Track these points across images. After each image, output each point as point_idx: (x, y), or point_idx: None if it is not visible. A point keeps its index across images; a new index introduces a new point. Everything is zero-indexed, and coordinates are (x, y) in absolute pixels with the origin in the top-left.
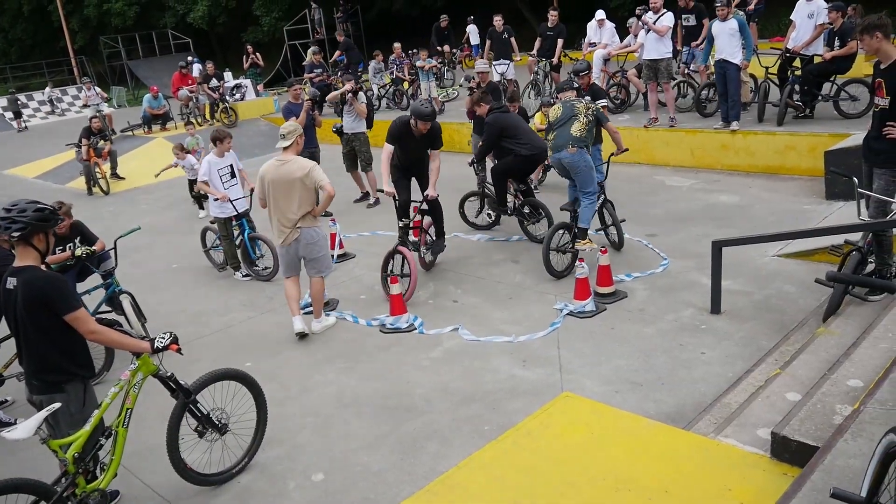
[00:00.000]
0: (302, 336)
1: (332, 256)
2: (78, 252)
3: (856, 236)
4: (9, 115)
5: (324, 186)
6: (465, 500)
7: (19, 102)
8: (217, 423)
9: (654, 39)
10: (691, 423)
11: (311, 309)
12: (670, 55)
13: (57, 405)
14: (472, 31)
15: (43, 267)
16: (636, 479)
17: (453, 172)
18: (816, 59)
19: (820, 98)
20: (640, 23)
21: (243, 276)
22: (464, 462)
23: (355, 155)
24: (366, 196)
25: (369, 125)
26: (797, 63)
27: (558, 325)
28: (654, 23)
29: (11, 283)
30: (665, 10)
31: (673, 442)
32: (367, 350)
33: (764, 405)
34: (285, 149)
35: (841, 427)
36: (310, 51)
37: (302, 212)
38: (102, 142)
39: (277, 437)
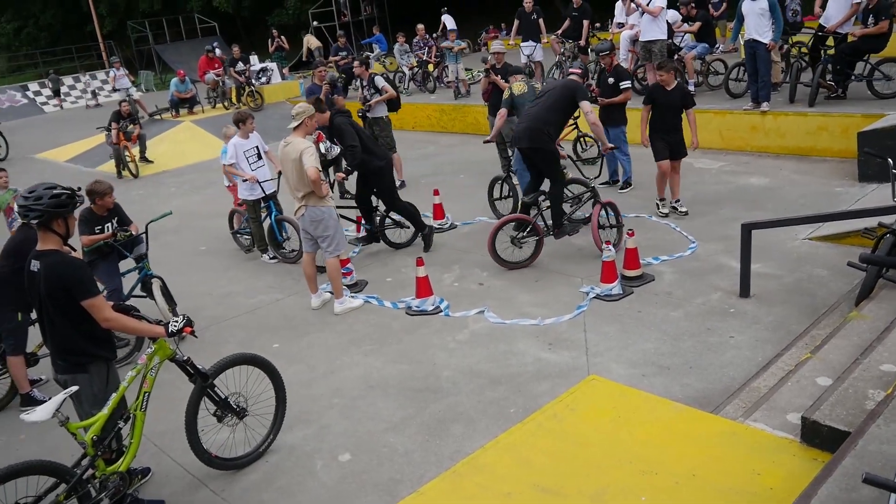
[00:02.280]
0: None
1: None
2: (120, 236)
3: (890, 219)
4: (46, 93)
5: (307, 170)
6: (491, 482)
7: (61, 82)
8: (235, 407)
9: (648, 21)
10: (719, 407)
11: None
12: (664, 36)
13: (74, 388)
14: (448, 20)
15: (75, 252)
16: (663, 462)
17: (480, 156)
18: (850, 38)
19: (853, 78)
20: (633, 4)
21: (270, 258)
22: (489, 444)
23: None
24: None
25: (393, 108)
26: (830, 42)
27: (585, 309)
28: (648, 4)
29: (35, 265)
30: None
31: (700, 426)
32: (393, 332)
33: (794, 390)
34: (295, 129)
35: (873, 412)
36: (309, 39)
37: (302, 190)
38: (132, 125)
39: (305, 418)
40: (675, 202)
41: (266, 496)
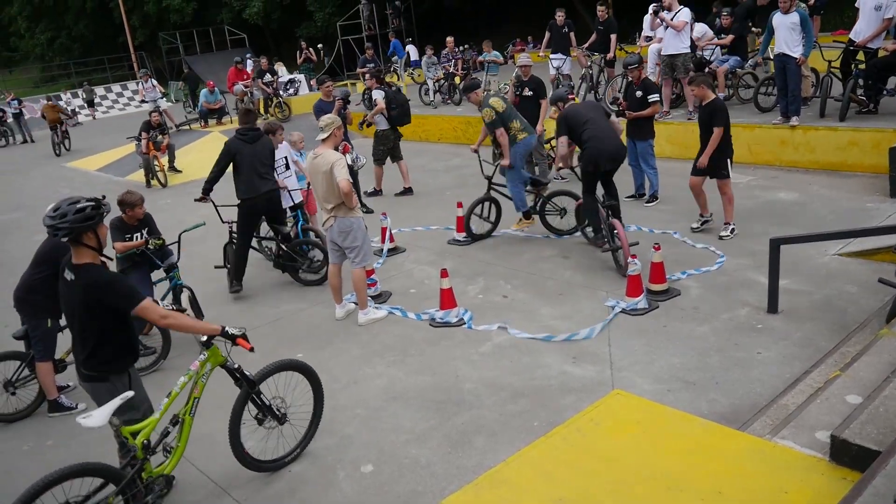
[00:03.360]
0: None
1: (382, 251)
2: (151, 245)
3: None
4: (77, 102)
5: (339, 183)
6: (513, 496)
7: (94, 93)
8: (277, 412)
9: (671, 35)
10: (746, 423)
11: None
12: (687, 50)
13: (130, 393)
14: (412, 50)
15: (110, 261)
16: (689, 479)
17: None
18: (881, 53)
19: (885, 93)
20: (657, 19)
21: None
22: (512, 457)
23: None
24: (407, 191)
25: (399, 122)
26: (861, 56)
27: (609, 322)
28: (672, 19)
29: (69, 275)
30: (681, 7)
31: (727, 442)
32: (416, 343)
33: (823, 407)
34: (323, 141)
35: None
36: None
37: (332, 202)
38: (161, 136)
39: (328, 428)
40: (724, 225)
41: None
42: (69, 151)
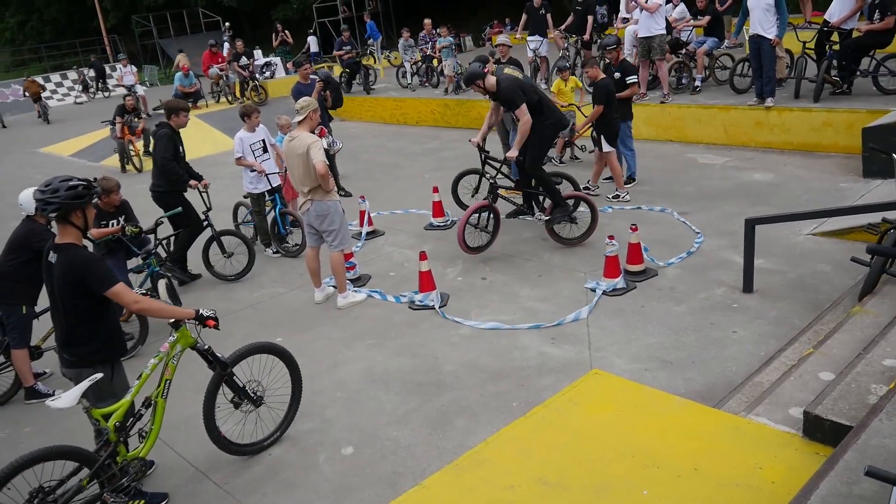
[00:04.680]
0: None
1: (361, 234)
2: (128, 231)
3: (894, 214)
4: (49, 87)
5: (315, 164)
6: (493, 475)
7: (86, 74)
8: (252, 395)
9: (646, 17)
10: (722, 401)
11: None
12: (663, 32)
13: (99, 375)
14: (312, 42)
15: (88, 244)
16: (665, 456)
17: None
18: (855, 34)
19: (858, 73)
20: (633, 1)
21: (273, 252)
22: (492, 437)
23: None
24: None
25: (331, 104)
26: (835, 38)
27: (594, 304)
28: (646, 1)
29: (52, 257)
30: None
31: (703, 420)
32: (395, 326)
33: (796, 384)
34: (299, 124)
35: (875, 407)
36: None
37: (309, 185)
38: (136, 119)
39: (308, 411)
40: (591, 184)
41: (269, 488)
42: (49, 124)
